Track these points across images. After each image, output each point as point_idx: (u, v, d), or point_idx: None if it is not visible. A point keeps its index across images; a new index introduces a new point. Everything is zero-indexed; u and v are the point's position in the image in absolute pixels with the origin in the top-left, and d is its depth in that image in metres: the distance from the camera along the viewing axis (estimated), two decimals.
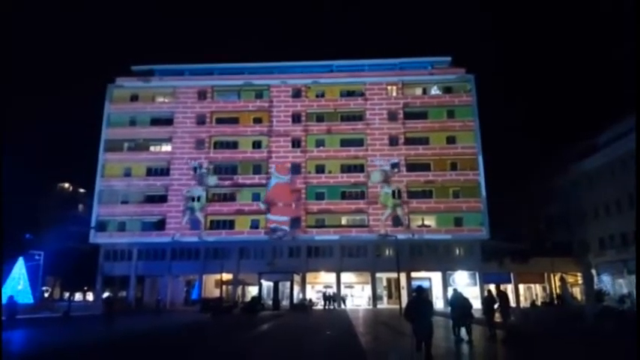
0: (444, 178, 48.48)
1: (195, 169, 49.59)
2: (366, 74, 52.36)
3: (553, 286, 45.50)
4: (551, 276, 45.44)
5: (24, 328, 22.24)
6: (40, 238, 47.59)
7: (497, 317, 17.37)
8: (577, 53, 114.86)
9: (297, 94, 51.73)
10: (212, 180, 49.46)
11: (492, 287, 18.48)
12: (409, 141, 49.63)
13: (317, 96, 52.16)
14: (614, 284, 40.42)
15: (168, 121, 51.64)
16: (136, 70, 54.12)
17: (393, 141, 49.61)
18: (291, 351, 14.09)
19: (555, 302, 41.79)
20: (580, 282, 46.30)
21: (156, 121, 52.16)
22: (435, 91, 52.02)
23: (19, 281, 41.43)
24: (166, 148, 51.83)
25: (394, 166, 48.59)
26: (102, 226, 48.93)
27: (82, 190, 66.22)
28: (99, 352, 14.32)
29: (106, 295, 40.25)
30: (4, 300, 31.46)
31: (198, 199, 49.06)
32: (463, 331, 15.49)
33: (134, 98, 53.41)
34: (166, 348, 15.45)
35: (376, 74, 52.08)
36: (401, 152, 49.13)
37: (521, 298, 46.34)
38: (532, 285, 48.35)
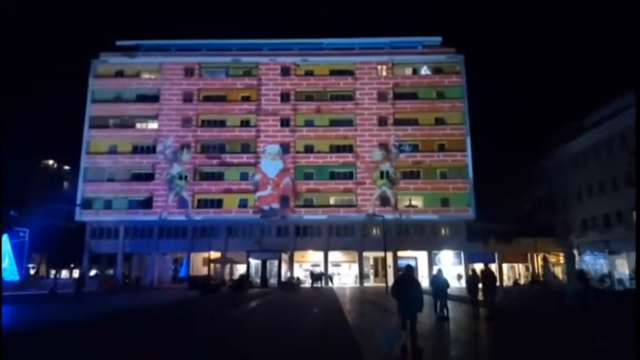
0: (431, 159, 48.74)
1: (172, 147, 48.94)
2: (356, 52, 51.85)
3: (536, 265, 46.54)
4: (534, 256, 46.45)
5: (9, 305, 22.11)
6: (25, 215, 47.00)
7: (481, 296, 17.74)
8: (567, 35, 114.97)
9: (286, 72, 51.10)
10: (187, 156, 48.86)
11: (478, 266, 18.82)
12: (398, 121, 49.60)
13: (306, 74, 51.57)
14: (595, 264, 41.42)
15: (154, 98, 50.76)
16: (121, 45, 52.81)
17: (383, 121, 49.55)
18: (278, 327, 14.26)
19: (537, 281, 42.77)
20: (562, 262, 47.43)
21: (142, 98, 51.23)
22: (425, 71, 51.80)
23: (4, 258, 41.05)
24: (152, 125, 51.10)
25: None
26: (88, 204, 48.42)
27: (67, 168, 65.25)
28: (89, 329, 14.34)
29: (79, 272, 40.48)
30: None
31: (186, 177, 48.68)
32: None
33: (119, 74, 52.29)
34: (156, 325, 15.52)
35: (366, 52, 51.61)
36: (390, 133, 49.13)
37: (505, 277, 47.35)
38: (515, 265, 49.41)
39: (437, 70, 51.64)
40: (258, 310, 20.98)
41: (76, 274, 54.87)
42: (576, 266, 43.20)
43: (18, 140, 53.05)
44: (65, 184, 64.75)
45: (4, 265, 40.20)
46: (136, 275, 44.34)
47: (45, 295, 28.28)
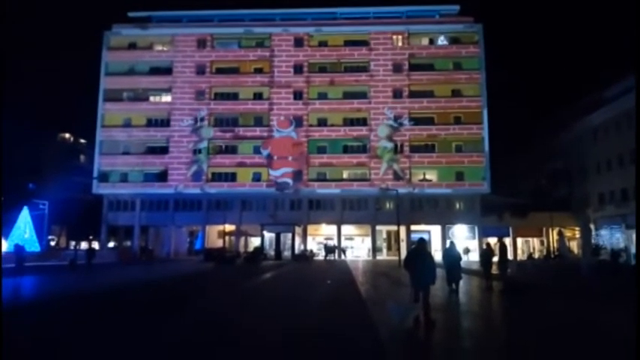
0: (447, 132, 48.05)
1: (195, 120, 49.09)
2: (371, 21, 50.69)
3: (551, 240, 46.16)
4: (550, 230, 46.00)
5: (32, 275, 22.81)
6: (44, 188, 47.91)
7: (495, 270, 17.67)
8: (586, 4, 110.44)
9: (299, 43, 50.26)
10: (209, 132, 48.97)
11: (491, 240, 18.68)
12: (414, 94, 48.76)
13: (320, 45, 50.69)
14: (612, 239, 40.91)
15: (167, 71, 50.59)
16: (133, 16, 52.39)
17: (397, 94, 48.75)
18: (291, 299, 14.43)
19: (552, 256, 42.49)
20: (578, 236, 46.95)
21: (155, 70, 51.13)
22: (441, 41, 50.48)
23: (25, 230, 42.12)
24: (166, 98, 51.11)
25: (400, 123, 47.89)
26: (104, 177, 49.14)
27: (82, 141, 65.96)
28: (108, 298, 14.71)
29: (89, 244, 41.51)
30: (12, 248, 32.20)
31: (201, 151, 48.89)
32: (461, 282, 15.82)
33: (132, 46, 52.08)
34: (173, 296, 15.85)
35: (382, 21, 50.44)
36: (405, 105, 48.40)
37: (519, 252, 47.14)
38: (530, 239, 49.09)
39: (454, 40, 50.27)
40: (272, 282, 21.28)
41: (95, 245, 56.31)
42: (592, 241, 42.74)
43: (34, 113, 53.63)
44: (82, 157, 65.61)
45: (26, 236, 41.25)
46: (149, 247, 45.19)
47: (65, 265, 29.02)
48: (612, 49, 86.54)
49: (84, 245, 60.98)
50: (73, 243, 53.96)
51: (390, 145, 47.70)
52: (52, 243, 57.90)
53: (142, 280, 21.44)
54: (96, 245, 55.56)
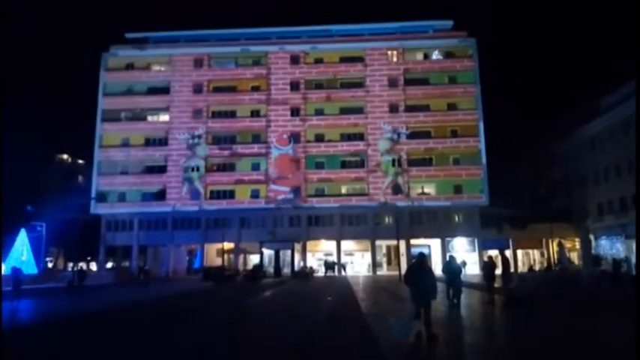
0: (444, 146, 48.22)
1: (188, 140, 49.19)
2: (366, 38, 51.26)
3: (551, 251, 45.99)
4: (550, 241, 45.86)
5: (29, 298, 22.53)
6: (42, 209, 47.68)
7: (497, 283, 17.52)
8: (582, 13, 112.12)
9: (295, 60, 50.74)
10: (204, 150, 49.05)
11: (493, 253, 18.57)
12: (410, 108, 49.08)
13: (316, 62, 51.18)
14: (612, 249, 40.77)
15: (164, 90, 50.90)
16: (130, 37, 52.93)
17: (394, 108, 49.06)
18: (291, 316, 14.28)
19: (553, 267, 42.29)
20: (578, 247, 46.79)
21: (152, 90, 51.43)
22: (436, 56, 51.03)
23: (22, 252, 41.80)
24: (164, 117, 51.31)
25: (399, 134, 48.10)
26: (102, 197, 49.03)
27: (80, 161, 65.94)
28: (110, 319, 14.52)
29: (79, 265, 41.27)
30: (9, 271, 31.89)
31: (197, 169, 48.93)
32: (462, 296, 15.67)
33: (130, 67, 52.49)
34: (170, 316, 15.66)
35: (376, 37, 51.01)
36: (401, 120, 48.67)
37: (519, 264, 46.89)
38: (530, 250, 48.92)
39: (448, 55, 50.82)
40: (271, 300, 21.07)
41: (93, 266, 55.80)
42: (592, 251, 42.58)
43: (32, 135, 53.67)
44: (80, 177, 65.48)
45: (23, 258, 40.92)
46: (145, 266, 44.72)
47: (62, 287, 28.72)
48: (608, 58, 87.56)
49: (81, 266, 60.64)
50: (70, 264, 53.55)
51: (391, 157, 47.75)
52: (50, 265, 57.43)
53: (136, 300, 21.17)
54: (94, 266, 55.22)
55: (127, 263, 51.94)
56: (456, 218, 47.75)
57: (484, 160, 47.17)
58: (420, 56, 51.44)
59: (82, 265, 43.27)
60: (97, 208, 48.80)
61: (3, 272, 36.14)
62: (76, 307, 18.58)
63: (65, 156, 66.44)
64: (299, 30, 52.47)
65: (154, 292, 26.38)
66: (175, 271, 49.16)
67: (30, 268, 40.58)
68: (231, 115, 50.72)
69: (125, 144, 50.71)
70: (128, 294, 25.18)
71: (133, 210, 48.68)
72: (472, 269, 40.48)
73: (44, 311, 17.87)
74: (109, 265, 53.84)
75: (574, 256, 47.38)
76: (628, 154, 37.10)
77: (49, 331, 12.21)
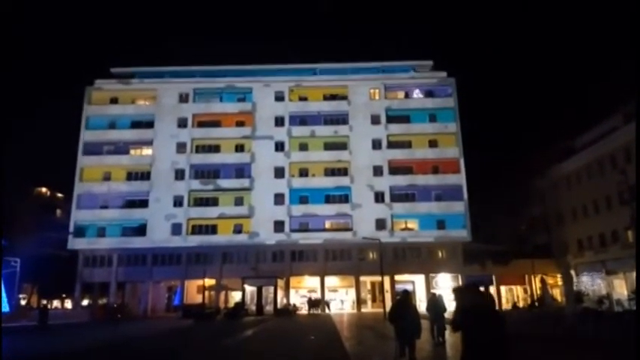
0: (425, 182, 48.83)
1: (175, 174, 49.00)
2: (349, 78, 52.52)
3: (534, 287, 46.13)
4: (532, 277, 46.09)
5: None
6: (17, 244, 46.22)
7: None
8: (557, 53, 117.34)
9: (280, 97, 51.54)
10: (187, 185, 48.82)
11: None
12: (392, 144, 49.91)
13: (300, 99, 52.06)
14: (593, 285, 41.15)
15: (148, 124, 50.86)
16: (116, 72, 53.24)
17: (376, 144, 49.83)
18: (274, 358, 13.89)
19: (536, 304, 42.31)
20: (560, 283, 47.06)
21: (136, 124, 51.35)
22: (417, 94, 52.49)
23: None
24: (147, 151, 51.02)
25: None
26: (81, 232, 47.88)
27: (59, 195, 64.66)
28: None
29: (42, 304, 40.01)
30: None
31: (180, 203, 48.42)
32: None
33: (114, 101, 52.53)
34: (147, 356, 15.09)
35: (359, 78, 52.32)
36: (384, 156, 49.35)
37: (504, 300, 46.84)
38: (513, 287, 48.96)
39: (429, 93, 52.33)
40: (253, 339, 20.52)
41: (68, 303, 53.74)
42: (574, 287, 42.86)
43: (10, 167, 52.65)
44: (58, 211, 64.01)
45: None
46: (125, 304, 43.34)
47: (36, 326, 27.50)
48: (582, 97, 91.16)
49: (56, 304, 58.39)
50: (44, 302, 51.55)
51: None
52: (23, 302, 55.19)
53: (104, 341, 20.34)
54: (69, 304, 53.19)
55: (104, 300, 50.25)
56: (440, 254, 47.82)
57: (465, 196, 47.82)
58: (401, 95, 52.84)
59: (45, 302, 41.40)
60: (75, 243, 47.51)
61: None
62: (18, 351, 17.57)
63: (44, 189, 65.11)
64: (284, 68, 53.51)
65: (126, 331, 25.44)
66: (154, 309, 47.65)
67: (2, 307, 38.90)
68: (215, 149, 50.73)
69: (107, 178, 50.03)
70: (97, 334, 24.20)
71: (112, 245, 47.54)
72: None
73: None
74: (85, 302, 51.98)
75: (557, 293, 47.56)
76: (606, 191, 38.15)
77: None
